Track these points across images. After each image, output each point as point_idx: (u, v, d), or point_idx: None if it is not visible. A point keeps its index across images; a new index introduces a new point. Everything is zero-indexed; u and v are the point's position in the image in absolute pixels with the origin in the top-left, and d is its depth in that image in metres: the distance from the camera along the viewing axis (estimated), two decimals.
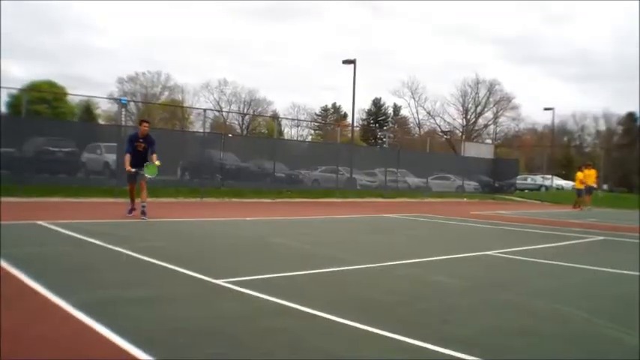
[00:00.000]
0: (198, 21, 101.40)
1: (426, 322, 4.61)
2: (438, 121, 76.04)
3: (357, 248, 9.40)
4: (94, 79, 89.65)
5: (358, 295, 5.57)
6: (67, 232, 9.28)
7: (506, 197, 34.18)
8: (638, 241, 12.42)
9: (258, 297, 5.09)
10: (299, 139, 70.42)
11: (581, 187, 26.52)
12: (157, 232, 10.44)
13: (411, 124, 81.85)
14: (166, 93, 71.18)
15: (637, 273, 7.65)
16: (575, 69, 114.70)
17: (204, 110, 37.25)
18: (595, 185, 27.07)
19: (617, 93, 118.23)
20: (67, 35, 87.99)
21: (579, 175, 26.96)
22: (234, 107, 74.38)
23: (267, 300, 4.99)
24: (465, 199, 30.88)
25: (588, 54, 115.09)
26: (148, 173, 12.13)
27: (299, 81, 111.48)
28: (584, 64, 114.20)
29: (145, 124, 12.61)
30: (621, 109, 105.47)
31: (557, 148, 75.38)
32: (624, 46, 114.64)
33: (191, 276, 6.01)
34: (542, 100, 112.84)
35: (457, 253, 8.88)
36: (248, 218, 13.89)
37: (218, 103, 73.75)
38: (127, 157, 12.24)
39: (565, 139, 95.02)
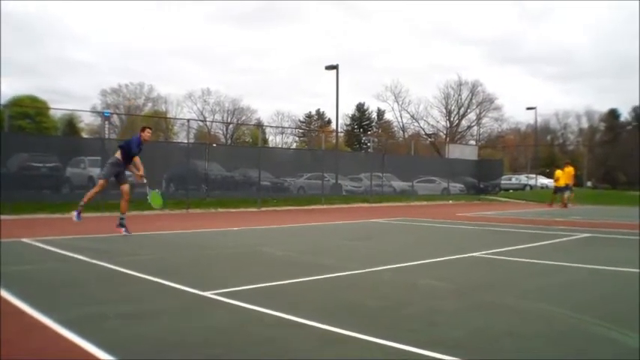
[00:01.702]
0: (179, 30, 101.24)
1: (414, 326, 4.63)
2: (421, 124, 76.43)
3: (344, 255, 9.40)
4: (76, 92, 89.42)
5: (347, 302, 5.58)
6: (52, 248, 9.21)
7: (491, 198, 34.44)
8: (622, 237, 12.58)
9: (247, 308, 5.09)
10: (284, 146, 70.56)
11: (562, 184, 26.98)
12: (142, 245, 10.37)
13: (395, 128, 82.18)
14: (150, 104, 71.08)
15: (622, 269, 7.74)
16: (556, 68, 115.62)
17: (188, 121, 37.19)
18: (570, 182, 27.47)
19: (599, 90, 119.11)
20: (47, 48, 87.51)
21: (559, 173, 27.52)
22: (217, 117, 74.36)
23: (257, 310, 4.98)
24: (451, 201, 31.03)
25: (569, 52, 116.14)
26: (155, 205, 11.97)
27: (282, 88, 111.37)
28: (566, 62, 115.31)
29: (149, 131, 11.80)
30: (603, 107, 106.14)
31: (541, 147, 76.00)
32: (605, 43, 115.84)
33: (179, 289, 5.98)
34: (525, 99, 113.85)
35: (443, 255, 8.92)
36: (234, 228, 13.83)
37: (202, 113, 73.69)
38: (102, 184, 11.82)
39: (548, 137, 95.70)
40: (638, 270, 7.52)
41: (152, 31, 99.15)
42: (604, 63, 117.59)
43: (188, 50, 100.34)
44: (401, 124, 78.27)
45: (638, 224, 15.38)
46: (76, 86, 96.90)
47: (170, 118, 63.03)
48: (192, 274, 7.11)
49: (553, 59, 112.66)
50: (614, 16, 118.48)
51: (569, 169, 27.55)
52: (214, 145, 40.23)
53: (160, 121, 57.11)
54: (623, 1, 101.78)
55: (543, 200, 30.65)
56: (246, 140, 71.05)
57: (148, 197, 12.01)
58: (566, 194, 26.98)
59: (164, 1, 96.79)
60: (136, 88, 70.00)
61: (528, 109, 51.11)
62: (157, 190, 12.26)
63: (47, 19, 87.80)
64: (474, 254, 9.06)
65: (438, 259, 8.55)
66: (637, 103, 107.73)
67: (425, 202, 29.72)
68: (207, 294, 5.67)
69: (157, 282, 6.38)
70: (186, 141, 31.57)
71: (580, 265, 8.19)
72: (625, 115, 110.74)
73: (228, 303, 5.31)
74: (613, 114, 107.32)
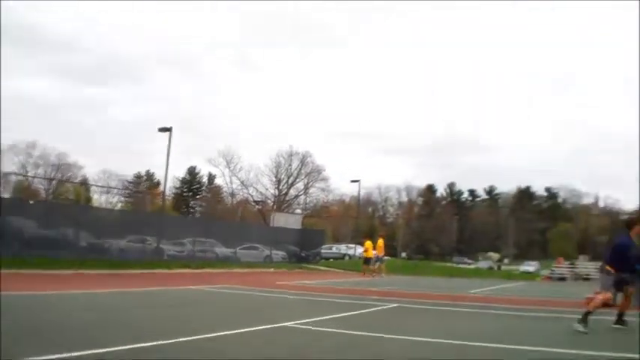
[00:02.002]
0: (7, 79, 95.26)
1: None
2: (250, 191, 76.96)
3: (149, 324, 8.96)
4: None
5: None
6: None
7: (312, 266, 35.01)
8: (427, 307, 13.28)
9: None
10: (108, 206, 67.64)
11: (371, 255, 28.43)
12: None
13: (225, 193, 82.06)
14: None
15: (421, 339, 8.12)
16: (382, 142, 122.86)
17: (5, 174, 34.76)
18: (382, 254, 28.98)
19: (418, 166, 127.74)
20: None
21: (367, 244, 29.02)
22: (40, 171, 70.08)
23: None
24: (272, 269, 31.16)
25: (394, 129, 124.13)
26: None
27: (113, 146, 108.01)
28: (391, 137, 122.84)
29: None
30: (422, 182, 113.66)
31: (362, 218, 79.21)
32: (428, 121, 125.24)
33: None
34: (351, 172, 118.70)
35: (255, 325, 8.71)
36: (43, 292, 12.86)
37: (24, 166, 69.09)
38: None
39: (370, 209, 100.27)
40: (438, 340, 7.96)
41: None
42: (425, 140, 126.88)
43: (15, 98, 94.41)
44: (230, 189, 78.40)
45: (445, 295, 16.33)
46: None
47: None
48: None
49: (380, 134, 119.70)
50: (432, 94, 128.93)
51: (380, 241, 28.97)
52: (31, 201, 37.68)
53: None
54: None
55: (360, 270, 31.92)
56: (69, 197, 67.30)
57: None
58: (377, 265, 28.42)
59: None
60: None
61: (353, 181, 53.13)
62: None
63: None
64: (287, 324, 9.05)
65: (248, 329, 8.34)
66: (452, 180, 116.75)
67: (247, 270, 29.57)
68: None
69: None
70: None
71: (387, 336, 8.41)
72: (441, 190, 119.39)
73: None
74: (430, 189, 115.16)
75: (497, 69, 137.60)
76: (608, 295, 8.95)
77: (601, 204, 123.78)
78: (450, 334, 8.71)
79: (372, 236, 37.30)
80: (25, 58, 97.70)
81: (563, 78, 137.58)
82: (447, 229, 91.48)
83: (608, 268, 9.20)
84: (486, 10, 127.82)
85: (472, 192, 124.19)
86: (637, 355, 6.89)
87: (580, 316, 8.91)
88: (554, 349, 7.37)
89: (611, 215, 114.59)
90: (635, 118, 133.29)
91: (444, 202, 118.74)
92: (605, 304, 8.97)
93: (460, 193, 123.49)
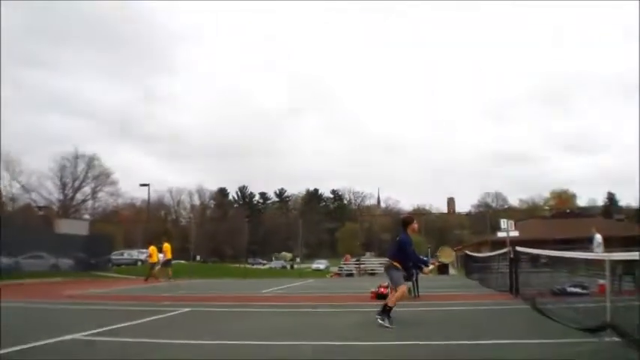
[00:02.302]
0: None
1: None
2: (33, 196, 71.83)
3: None
4: None
5: None
6: None
7: (102, 274, 33.58)
8: (220, 310, 13.37)
9: None
10: None
11: (156, 260, 28.34)
12: None
13: (4, 199, 75.69)
14: None
15: (214, 342, 8.19)
16: (171, 146, 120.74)
17: None
18: (171, 257, 29.04)
19: (209, 170, 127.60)
20: None
21: (152, 249, 28.85)
22: None
23: None
24: (60, 279, 29.33)
25: (181, 134, 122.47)
26: None
27: None
28: (180, 142, 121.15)
29: None
30: (214, 185, 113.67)
31: (155, 222, 77.41)
32: (209, 126, 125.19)
33: None
34: (142, 175, 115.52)
35: (40, 340, 8.19)
36: None
37: None
38: None
39: (162, 213, 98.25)
40: (230, 342, 8.08)
41: None
42: (213, 144, 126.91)
43: None
44: (10, 194, 72.52)
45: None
46: None
47: None
48: None
49: (166, 138, 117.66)
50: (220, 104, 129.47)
51: (166, 245, 28.75)
52: None
53: None
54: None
55: (155, 275, 31.26)
56: None
57: None
58: (160, 268, 28.27)
59: None
60: None
61: (142, 185, 51.75)
62: None
63: None
64: (75, 336, 8.62)
65: (34, 345, 7.79)
66: (243, 184, 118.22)
67: (32, 280, 27.50)
68: None
69: None
70: None
71: (174, 342, 8.38)
72: (232, 194, 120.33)
73: None
74: (222, 192, 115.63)
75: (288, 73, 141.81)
76: (404, 287, 9.56)
77: (383, 205, 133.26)
78: (243, 334, 8.90)
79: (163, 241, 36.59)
80: None
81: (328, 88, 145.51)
82: (240, 231, 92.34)
83: (394, 264, 9.66)
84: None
85: (263, 195, 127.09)
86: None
87: (380, 310, 9.36)
88: (338, 343, 7.82)
89: (391, 215, 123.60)
90: (410, 125, 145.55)
91: (236, 205, 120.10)
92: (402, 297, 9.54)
93: (252, 195, 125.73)
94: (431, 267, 10.98)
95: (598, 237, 22.33)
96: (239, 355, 7.25)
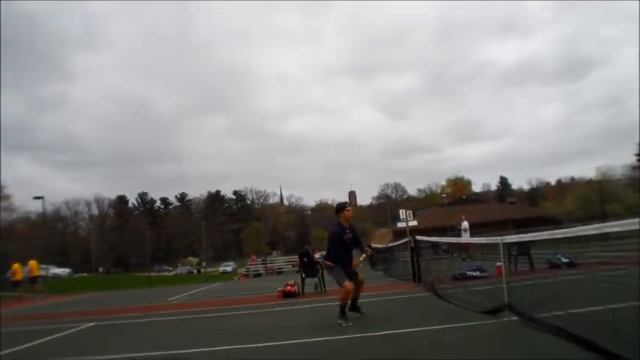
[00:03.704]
0: None
1: None
2: None
3: None
4: None
5: None
6: None
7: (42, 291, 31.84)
8: (124, 321, 13.04)
9: None
10: None
11: (20, 277, 28.02)
12: None
13: None
14: None
15: (121, 355, 7.99)
16: (66, 156, 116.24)
17: None
18: (38, 274, 29.52)
19: (106, 178, 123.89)
20: None
21: (16, 266, 28.33)
22: None
23: None
24: None
25: (77, 141, 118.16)
26: None
27: None
28: (75, 150, 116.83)
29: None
30: (112, 194, 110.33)
31: (53, 235, 74.36)
32: (104, 133, 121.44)
33: None
34: (36, 188, 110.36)
35: None
36: None
37: None
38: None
39: (60, 225, 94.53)
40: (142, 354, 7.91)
41: None
42: (110, 151, 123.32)
43: None
44: None
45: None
46: None
47: None
48: None
49: (63, 147, 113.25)
50: (117, 111, 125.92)
51: (32, 262, 28.79)
52: None
53: None
54: None
55: (58, 291, 30.32)
56: None
57: None
58: (37, 286, 28.68)
59: None
60: None
61: (36, 198, 49.39)
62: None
63: None
64: None
65: None
66: (142, 190, 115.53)
67: None
68: None
69: None
70: None
71: (83, 358, 8.13)
72: (132, 200, 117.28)
73: None
74: (122, 200, 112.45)
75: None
76: (345, 284, 8.84)
77: (286, 202, 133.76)
78: (150, 344, 8.75)
79: (65, 254, 35.39)
80: None
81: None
82: (142, 239, 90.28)
83: (327, 262, 9.25)
84: None
85: (164, 200, 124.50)
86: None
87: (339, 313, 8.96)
88: (249, 345, 7.80)
89: (295, 212, 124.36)
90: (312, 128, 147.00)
91: (137, 212, 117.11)
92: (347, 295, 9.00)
93: (153, 201, 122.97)
94: (362, 257, 10.37)
95: (465, 224, 24.44)
96: None
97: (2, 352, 9.02)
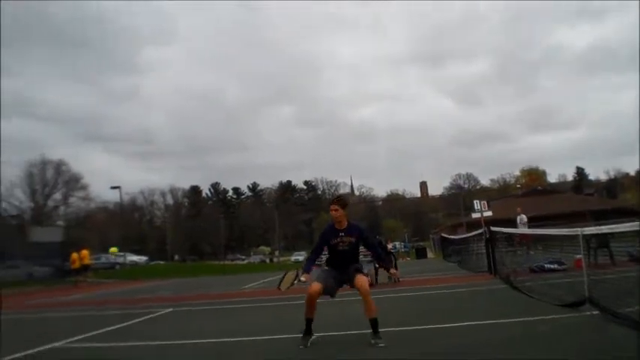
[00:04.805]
0: None
1: None
2: (4, 205, 70.83)
3: None
4: None
5: None
6: None
7: (80, 279, 33.09)
8: (203, 308, 13.35)
9: None
10: None
11: (78, 266, 29.65)
12: None
13: None
14: None
15: (203, 340, 8.20)
16: (140, 147, 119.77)
17: None
18: (89, 262, 31.18)
19: (180, 168, 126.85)
20: None
21: (74, 255, 29.81)
22: None
23: None
24: (38, 287, 28.91)
25: (150, 132, 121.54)
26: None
27: None
28: (149, 142, 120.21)
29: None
30: (186, 184, 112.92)
31: (130, 224, 76.79)
32: (177, 125, 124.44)
33: None
34: (112, 178, 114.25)
35: (20, 351, 8.09)
36: None
37: None
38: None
39: (136, 215, 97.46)
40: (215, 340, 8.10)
41: None
42: (182, 143, 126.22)
43: None
44: None
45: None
46: None
47: None
48: None
49: (137, 139, 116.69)
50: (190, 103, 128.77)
51: (84, 252, 30.20)
52: None
53: None
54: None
55: (135, 277, 31.35)
56: None
57: None
58: (86, 273, 30.34)
59: None
60: None
61: (113, 187, 51.10)
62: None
63: None
64: (57, 344, 8.55)
65: (13, 357, 7.77)
66: (215, 180, 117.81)
67: (7, 291, 27.00)
68: None
69: None
70: None
71: (164, 343, 8.36)
72: (206, 191, 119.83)
73: None
74: (195, 190, 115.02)
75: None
76: (313, 287, 6.92)
77: (356, 192, 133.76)
78: (226, 331, 8.93)
79: (142, 241, 36.58)
80: None
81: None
82: (215, 228, 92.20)
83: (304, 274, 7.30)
84: None
85: (236, 190, 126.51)
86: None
87: None
88: (333, 333, 7.78)
89: (366, 202, 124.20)
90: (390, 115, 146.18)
91: (210, 202, 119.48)
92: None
93: (225, 191, 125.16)
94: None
95: (522, 217, 23.56)
96: (223, 353, 7.27)
97: (86, 335, 9.41)
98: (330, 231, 7.17)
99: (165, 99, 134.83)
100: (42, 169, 71.51)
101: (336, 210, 7.10)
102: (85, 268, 29.88)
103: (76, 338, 9.12)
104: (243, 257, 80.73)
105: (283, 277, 7.40)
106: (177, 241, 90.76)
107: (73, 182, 73.18)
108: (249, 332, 8.63)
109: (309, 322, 6.98)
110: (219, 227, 68.46)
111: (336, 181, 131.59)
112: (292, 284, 7.20)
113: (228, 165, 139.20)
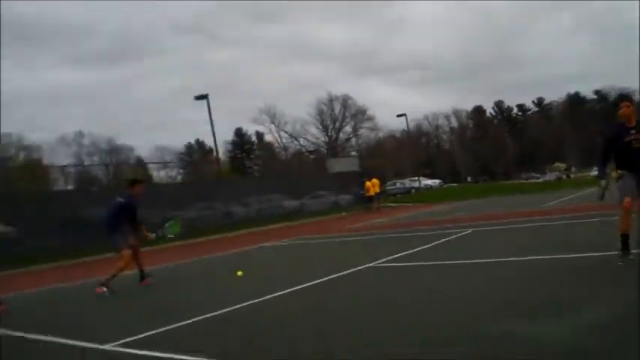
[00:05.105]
0: (37, 73, 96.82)
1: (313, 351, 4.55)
2: (302, 142, 77.22)
3: (234, 287, 9.06)
4: None
5: (244, 336, 5.41)
6: None
7: (381, 205, 34.89)
8: (502, 227, 13.17)
9: (148, 355, 4.87)
10: (169, 180, 68.68)
11: (372, 194, 30.97)
12: (34, 304, 9.74)
13: (277, 149, 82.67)
14: (22, 153, 67.11)
15: (517, 258, 8.09)
16: (418, 73, 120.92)
17: (64, 167, 35.78)
18: (379, 190, 32.11)
19: (461, 90, 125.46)
20: None
21: (368, 184, 31.11)
22: (96, 158, 71.66)
23: (158, 357, 4.77)
24: (344, 214, 31.23)
25: (427, 58, 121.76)
26: (173, 233, 11.06)
27: (157, 121, 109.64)
28: (426, 67, 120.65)
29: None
30: (468, 105, 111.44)
31: (418, 150, 78.61)
32: (455, 44, 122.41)
33: (74, 346, 5.60)
34: (395, 106, 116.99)
35: (338, 271, 8.78)
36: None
37: (79, 157, 70.68)
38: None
39: (423, 140, 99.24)
40: (538, 257, 7.94)
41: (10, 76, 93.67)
42: (460, 64, 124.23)
43: (52, 94, 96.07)
44: (281, 144, 78.90)
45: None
46: None
47: (46, 165, 59.76)
48: (89, 327, 6.62)
49: (413, 65, 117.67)
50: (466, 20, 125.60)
51: (375, 181, 31.44)
52: (95, 189, 38.65)
53: (36, 169, 54.21)
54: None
55: (429, 200, 32.21)
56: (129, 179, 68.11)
57: (166, 227, 11.14)
58: (380, 200, 31.60)
59: None
60: (4, 139, 66.07)
61: (399, 115, 52.37)
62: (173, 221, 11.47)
63: None
64: (369, 265, 9.11)
65: (334, 276, 8.44)
66: (498, 98, 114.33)
67: (317, 218, 29.70)
68: (107, 347, 5.35)
69: (49, 341, 5.94)
70: (67, 187, 30.21)
71: (472, 261, 8.43)
72: (489, 110, 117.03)
73: (129, 353, 5.03)
74: (479, 110, 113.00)
75: None
76: (627, 201, 6.54)
77: None
78: (526, 249, 8.70)
79: (431, 165, 37.23)
80: (38, 52, 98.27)
81: None
82: (503, 148, 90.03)
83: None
84: None
85: (521, 106, 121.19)
86: None
87: None
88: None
89: None
90: None
91: (494, 121, 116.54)
92: None
93: (510, 109, 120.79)
94: None
95: None
96: (536, 270, 7.06)
97: (395, 255, 9.88)
98: (620, 129, 6.84)
99: (438, 22, 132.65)
100: (330, 105, 76.17)
101: (627, 106, 6.83)
102: (370, 199, 31.30)
103: (391, 257, 9.64)
104: (538, 175, 77.81)
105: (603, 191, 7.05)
106: (465, 163, 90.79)
107: (360, 114, 76.79)
108: (561, 249, 8.26)
109: (625, 238, 6.63)
110: (506, 146, 66.69)
111: (629, 88, 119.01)
112: (603, 196, 6.98)
113: (508, 82, 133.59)
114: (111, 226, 9.65)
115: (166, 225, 11.11)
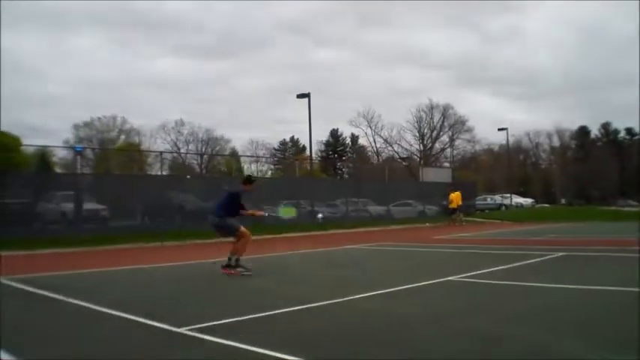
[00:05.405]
0: (147, 63, 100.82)
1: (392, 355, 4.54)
2: (395, 148, 76.79)
3: (320, 284, 9.29)
4: (46, 126, 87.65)
5: (323, 334, 5.49)
6: (21, 286, 8.98)
7: (468, 219, 34.25)
8: (595, 254, 12.63)
9: (221, 344, 4.97)
10: (259, 175, 69.95)
11: (455, 206, 30.39)
12: (116, 282, 10.17)
13: (370, 153, 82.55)
14: (123, 137, 70.30)
15: (601, 287, 7.75)
16: (523, 88, 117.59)
17: (161, 153, 37.08)
18: (460, 204, 31.09)
19: (566, 108, 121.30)
20: (9, 83, 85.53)
21: (452, 196, 30.54)
22: (192, 147, 73.86)
23: (232, 346, 4.87)
24: (428, 224, 30.97)
25: (532, 73, 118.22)
26: (287, 214, 11.95)
27: (253, 117, 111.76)
28: (529, 83, 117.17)
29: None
30: (573, 125, 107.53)
31: (514, 167, 76.53)
32: (568, 61, 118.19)
33: (152, 326, 5.83)
34: (496, 121, 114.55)
35: (420, 281, 8.81)
36: (210, 260, 13.45)
37: (176, 144, 73.08)
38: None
39: (521, 157, 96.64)
40: (621, 288, 7.59)
41: (119, 63, 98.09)
42: (567, 81, 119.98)
43: (159, 82, 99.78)
44: (375, 148, 78.75)
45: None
46: (45, 120, 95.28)
47: (143, 150, 62.27)
48: (168, 310, 6.89)
49: (517, 80, 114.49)
50: (572, 38, 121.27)
51: (457, 193, 30.72)
52: (188, 177, 39.82)
53: (133, 153, 56.54)
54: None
55: (519, 220, 31.26)
56: (222, 170, 70.14)
57: (278, 211, 12.01)
58: (459, 215, 30.69)
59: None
60: (109, 121, 69.28)
61: (500, 129, 51.25)
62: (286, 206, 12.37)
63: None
64: (451, 278, 9.00)
65: (414, 285, 8.44)
66: (605, 120, 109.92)
67: (402, 226, 29.58)
68: (182, 330, 5.53)
69: (130, 319, 6.20)
70: (160, 173, 31.36)
71: (559, 286, 8.15)
72: (594, 131, 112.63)
73: (203, 339, 5.18)
74: (583, 131, 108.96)
75: None
76: None
77: None
78: (617, 280, 8.30)
79: (526, 184, 36.19)
80: (146, 41, 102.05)
81: None
82: (605, 172, 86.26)
83: None
84: None
85: (629, 130, 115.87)
86: None
87: None
88: None
89: None
90: None
91: (599, 143, 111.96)
92: None
93: (617, 132, 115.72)
94: None
95: None
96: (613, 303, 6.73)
97: (478, 272, 9.66)
98: None
99: (546, 36, 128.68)
100: (430, 113, 75.26)
101: None
102: (452, 212, 30.84)
103: (468, 274, 9.45)
104: (635, 203, 74.25)
105: None
106: (563, 184, 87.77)
107: (459, 125, 75.38)
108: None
109: None
110: (610, 170, 63.83)
111: None
112: None
113: (617, 103, 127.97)
114: (223, 214, 10.32)
115: (279, 207, 11.78)
